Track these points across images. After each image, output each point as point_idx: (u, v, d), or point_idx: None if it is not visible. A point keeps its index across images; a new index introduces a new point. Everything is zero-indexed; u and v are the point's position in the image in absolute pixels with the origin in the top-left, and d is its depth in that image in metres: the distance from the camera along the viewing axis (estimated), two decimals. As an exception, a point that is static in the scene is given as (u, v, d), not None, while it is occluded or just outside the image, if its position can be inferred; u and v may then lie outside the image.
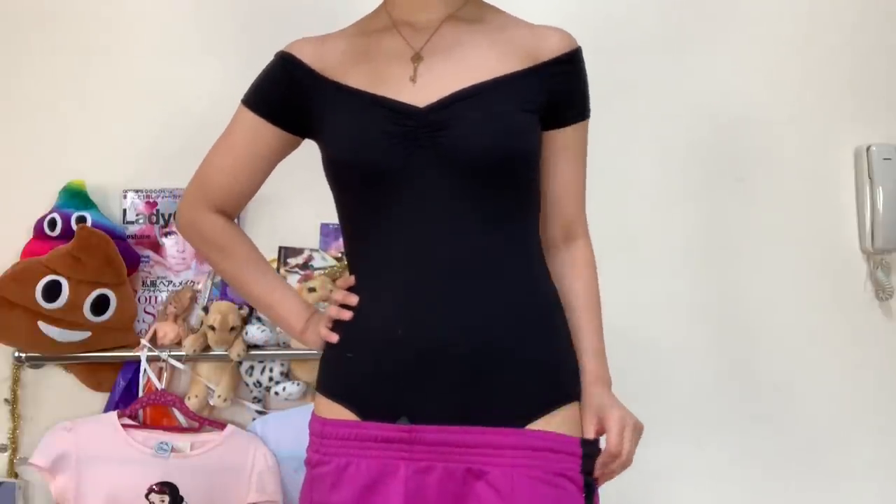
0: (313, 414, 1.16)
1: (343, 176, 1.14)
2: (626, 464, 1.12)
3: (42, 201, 1.73)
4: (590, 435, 1.10)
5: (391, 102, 1.10)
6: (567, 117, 1.17)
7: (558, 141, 1.17)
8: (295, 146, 1.23)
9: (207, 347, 1.69)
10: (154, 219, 1.77)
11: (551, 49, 1.15)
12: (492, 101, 1.09)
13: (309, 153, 1.21)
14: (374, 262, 1.12)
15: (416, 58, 1.13)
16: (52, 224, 1.70)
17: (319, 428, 1.12)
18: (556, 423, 1.09)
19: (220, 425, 1.70)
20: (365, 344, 1.10)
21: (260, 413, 1.74)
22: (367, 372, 1.09)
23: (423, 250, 1.08)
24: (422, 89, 1.10)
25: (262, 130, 1.19)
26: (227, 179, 1.23)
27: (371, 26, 1.20)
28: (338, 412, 1.11)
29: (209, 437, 1.68)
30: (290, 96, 1.18)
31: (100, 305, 1.64)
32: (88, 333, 1.66)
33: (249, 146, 1.21)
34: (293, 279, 1.74)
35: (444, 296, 1.07)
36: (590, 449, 1.10)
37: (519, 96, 1.12)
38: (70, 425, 1.65)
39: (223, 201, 1.24)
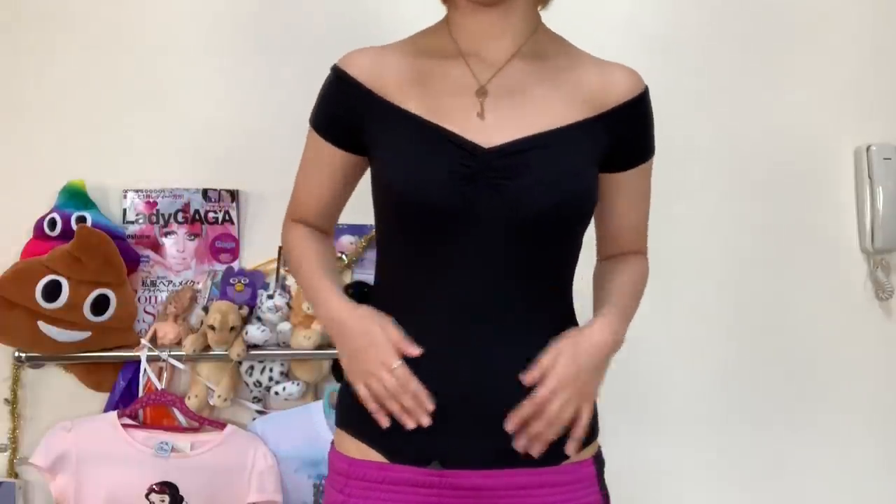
0: (335, 449, 1.13)
1: (394, 206, 1.09)
2: (549, 413, 1.02)
3: (42, 201, 1.73)
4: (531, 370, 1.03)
5: (456, 138, 1.05)
6: (630, 162, 1.15)
7: (619, 182, 1.15)
8: (367, 164, 1.17)
9: (207, 347, 1.69)
10: (154, 219, 1.77)
11: (618, 94, 1.12)
12: (558, 155, 1.06)
13: (309, 153, 1.21)
14: (412, 302, 1.08)
15: (482, 92, 1.09)
16: (52, 224, 1.70)
17: (345, 467, 1.09)
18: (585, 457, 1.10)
19: (220, 425, 1.70)
20: None
21: (260, 413, 1.74)
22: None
23: (466, 298, 1.05)
24: (487, 128, 1.06)
25: (328, 152, 1.16)
26: (309, 198, 1.21)
27: (432, 47, 1.13)
28: (364, 452, 1.08)
29: (209, 437, 1.68)
30: (347, 117, 1.13)
31: (100, 305, 1.64)
32: (88, 333, 1.65)
33: (321, 167, 1.18)
34: (293, 279, 1.74)
35: (484, 348, 1.04)
36: (600, 462, 1.13)
37: (583, 148, 1.08)
38: (70, 425, 1.65)
39: (307, 217, 1.22)
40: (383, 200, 1.11)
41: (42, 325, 1.62)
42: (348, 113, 1.13)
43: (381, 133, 1.10)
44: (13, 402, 1.71)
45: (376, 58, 1.13)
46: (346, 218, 1.26)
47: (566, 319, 1.14)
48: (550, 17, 1.18)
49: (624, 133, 1.12)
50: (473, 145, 1.04)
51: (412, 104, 1.08)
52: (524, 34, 1.12)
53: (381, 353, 1.04)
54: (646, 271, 1.23)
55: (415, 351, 1.04)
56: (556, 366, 1.02)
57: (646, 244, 1.25)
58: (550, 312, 1.10)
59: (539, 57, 1.12)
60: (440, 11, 1.17)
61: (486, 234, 1.04)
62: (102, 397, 1.73)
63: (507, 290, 1.06)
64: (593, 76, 1.12)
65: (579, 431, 1.05)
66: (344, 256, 1.74)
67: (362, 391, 1.06)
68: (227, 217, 1.78)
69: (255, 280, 1.73)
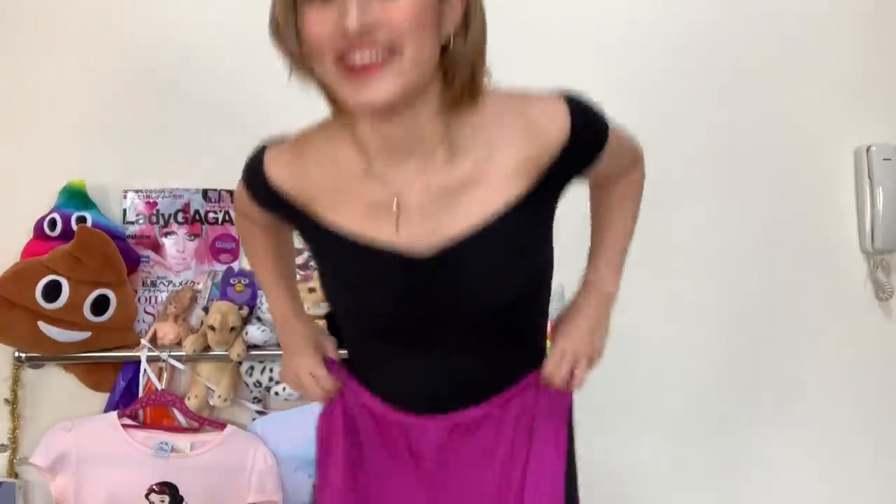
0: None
1: (339, 314, 1.12)
2: (567, 385, 1.13)
3: (42, 201, 1.73)
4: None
5: (392, 255, 1.00)
6: (586, 172, 1.06)
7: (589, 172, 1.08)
8: None
9: (207, 347, 1.69)
10: (154, 219, 1.77)
11: (549, 145, 0.99)
12: (500, 247, 1.00)
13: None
14: (379, 379, 1.12)
15: (405, 205, 1.00)
16: (52, 224, 1.70)
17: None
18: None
19: (220, 425, 1.70)
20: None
21: (260, 413, 1.74)
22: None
23: (430, 381, 1.08)
24: (420, 235, 1.00)
25: (262, 212, 1.14)
26: (251, 211, 1.18)
27: (344, 159, 1.02)
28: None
29: (209, 437, 1.68)
30: (277, 210, 1.10)
31: (100, 305, 1.64)
32: (88, 333, 1.65)
33: (260, 215, 1.17)
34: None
35: (456, 405, 1.10)
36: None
37: (528, 219, 1.02)
38: (70, 425, 1.65)
39: (253, 218, 1.20)
40: (329, 305, 1.11)
41: (42, 325, 1.62)
42: (278, 209, 1.09)
43: (315, 244, 1.08)
44: (13, 402, 1.71)
45: (296, 167, 1.06)
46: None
47: (536, 353, 1.16)
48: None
49: (569, 168, 1.02)
50: (411, 259, 1.00)
51: (341, 216, 1.03)
52: (436, 136, 0.98)
53: (309, 367, 1.18)
54: (638, 180, 1.23)
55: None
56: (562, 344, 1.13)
57: (635, 154, 1.19)
58: (522, 360, 1.13)
59: (458, 154, 0.99)
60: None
61: (441, 335, 1.04)
62: (102, 397, 1.73)
63: (476, 363, 1.08)
64: (517, 142, 0.99)
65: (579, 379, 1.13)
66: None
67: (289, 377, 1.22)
68: (227, 217, 1.78)
69: (255, 280, 1.73)
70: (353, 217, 1.02)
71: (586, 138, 1.02)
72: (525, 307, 1.08)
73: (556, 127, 0.99)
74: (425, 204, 1.00)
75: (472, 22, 0.95)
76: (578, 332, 1.14)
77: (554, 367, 1.11)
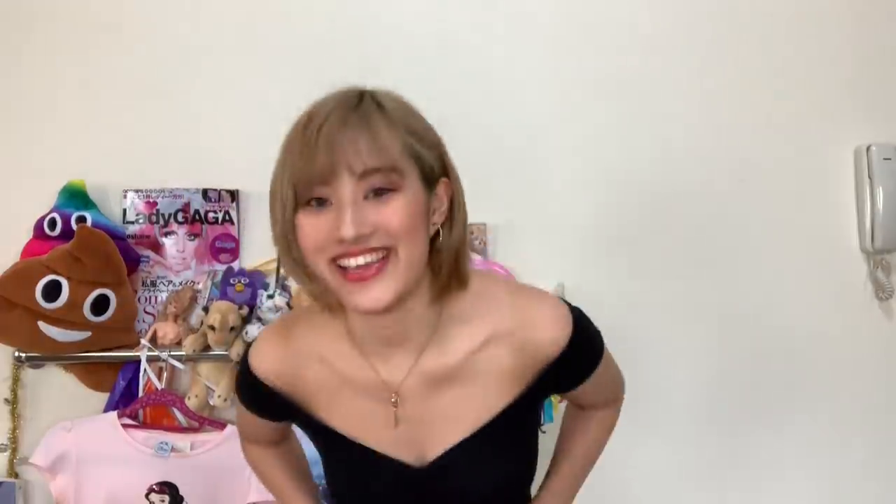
0: None
1: (338, 497, 1.12)
2: None
3: (42, 201, 1.73)
4: None
5: (388, 462, 1.03)
6: (577, 385, 1.08)
7: (570, 394, 1.11)
8: None
9: (207, 347, 1.69)
10: (154, 219, 1.77)
11: (542, 351, 1.00)
12: (500, 450, 1.02)
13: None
14: None
15: (398, 407, 1.02)
16: (52, 224, 1.70)
17: None
18: None
19: (220, 425, 1.70)
20: None
21: (260, 413, 1.75)
22: None
23: None
24: (413, 442, 1.02)
25: (261, 421, 1.17)
26: (256, 432, 1.22)
27: (336, 354, 1.04)
28: None
29: (209, 437, 1.68)
30: (271, 411, 1.13)
31: (100, 305, 1.64)
32: (88, 333, 1.65)
33: (257, 420, 1.18)
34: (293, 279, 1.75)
35: None
36: None
37: (516, 429, 1.04)
38: (70, 425, 1.65)
39: (259, 442, 1.23)
40: (326, 479, 1.11)
41: (42, 325, 1.62)
42: (272, 406, 1.12)
43: (311, 435, 1.11)
44: (13, 402, 1.71)
45: (284, 360, 1.07)
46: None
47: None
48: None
49: (557, 381, 1.04)
50: (406, 467, 1.03)
51: (336, 418, 1.05)
52: (428, 326, 1.00)
53: None
54: (611, 423, 1.20)
55: None
56: None
57: (617, 389, 1.20)
58: None
59: (450, 342, 1.00)
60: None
61: None
62: (102, 397, 1.73)
63: None
64: (514, 340, 1.00)
65: None
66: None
67: None
68: (227, 217, 1.78)
69: (255, 280, 1.73)
70: (348, 415, 1.03)
71: (581, 356, 1.04)
72: (521, 488, 1.11)
73: (557, 333, 1.00)
74: (419, 397, 1.01)
75: (456, 210, 0.97)
76: None
77: None
